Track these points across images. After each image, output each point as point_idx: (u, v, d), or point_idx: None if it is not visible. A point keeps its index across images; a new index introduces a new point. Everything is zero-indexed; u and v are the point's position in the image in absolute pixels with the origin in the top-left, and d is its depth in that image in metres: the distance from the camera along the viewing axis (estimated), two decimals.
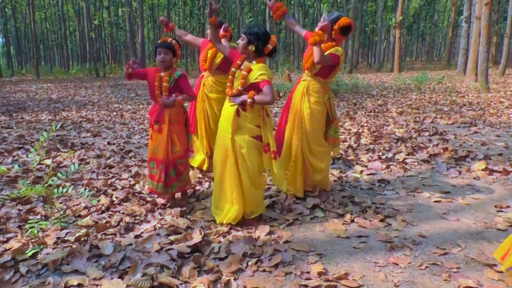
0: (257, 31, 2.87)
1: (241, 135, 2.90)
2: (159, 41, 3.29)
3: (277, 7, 3.40)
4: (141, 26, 24.73)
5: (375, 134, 6.26)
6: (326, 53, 3.24)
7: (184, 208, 3.34)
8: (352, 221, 3.14)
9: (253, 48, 2.87)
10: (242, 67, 2.95)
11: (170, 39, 3.27)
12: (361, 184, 4.02)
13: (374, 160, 4.82)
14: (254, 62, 2.93)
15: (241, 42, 2.93)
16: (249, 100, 2.82)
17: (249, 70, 2.87)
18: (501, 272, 2.35)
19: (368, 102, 10.59)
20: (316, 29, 3.17)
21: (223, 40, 3.69)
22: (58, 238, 2.81)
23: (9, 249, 2.65)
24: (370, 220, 3.12)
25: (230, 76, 3.01)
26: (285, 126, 3.57)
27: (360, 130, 6.63)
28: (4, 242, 2.79)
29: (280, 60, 23.47)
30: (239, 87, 2.89)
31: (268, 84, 2.81)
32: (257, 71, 2.85)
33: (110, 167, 4.66)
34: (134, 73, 3.32)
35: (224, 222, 2.99)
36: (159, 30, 40.51)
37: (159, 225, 3.02)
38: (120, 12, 32.87)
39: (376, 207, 3.38)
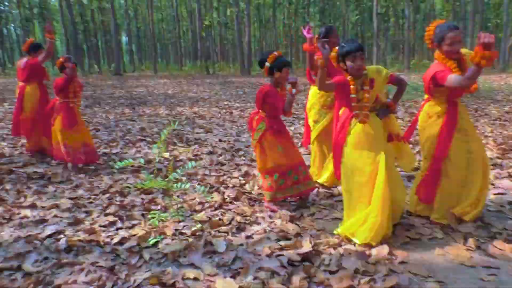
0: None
1: None
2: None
3: None
4: (248, 26, 25.61)
5: (503, 146, 5.54)
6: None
7: (294, 213, 3.33)
8: (478, 247, 2.80)
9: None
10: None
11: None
12: (488, 204, 3.57)
13: (503, 177, 4.25)
14: None
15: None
16: None
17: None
18: None
19: (492, 108, 9.45)
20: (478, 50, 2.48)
21: None
22: (176, 230, 3.02)
23: (134, 235, 2.93)
24: (500, 249, 2.75)
25: None
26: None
27: (484, 142, 5.92)
28: (130, 228, 3.10)
29: (389, 60, 22.25)
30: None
31: None
32: None
33: (222, 164, 4.88)
34: None
35: None
36: (265, 29, 41.47)
37: (268, 228, 3.05)
38: (228, 12, 34.47)
39: (508, 234, 2.96)
